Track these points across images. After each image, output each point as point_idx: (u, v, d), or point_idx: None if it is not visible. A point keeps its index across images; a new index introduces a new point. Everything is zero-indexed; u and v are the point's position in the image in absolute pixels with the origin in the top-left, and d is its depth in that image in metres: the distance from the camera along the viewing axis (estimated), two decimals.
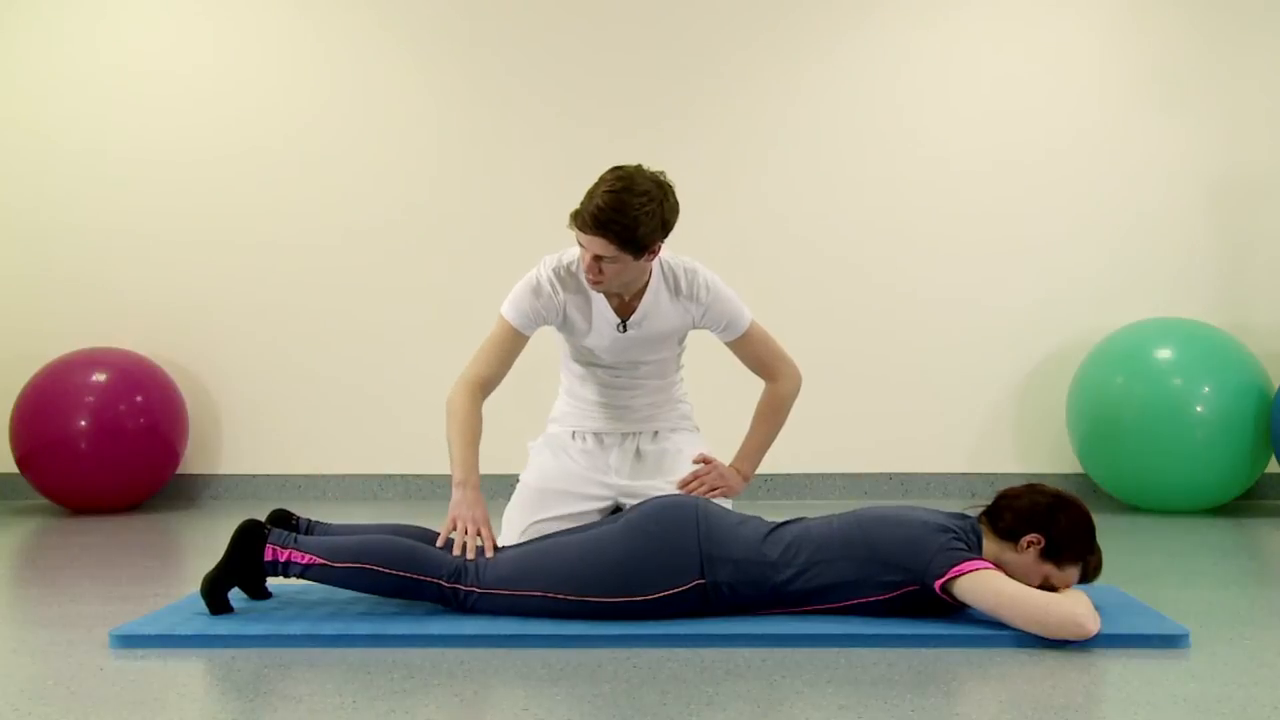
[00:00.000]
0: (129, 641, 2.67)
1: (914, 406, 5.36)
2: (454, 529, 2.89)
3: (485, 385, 3.16)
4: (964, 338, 5.35)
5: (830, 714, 2.18)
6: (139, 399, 5.07)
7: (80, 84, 5.47)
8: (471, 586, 2.78)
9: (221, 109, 5.46)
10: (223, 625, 2.72)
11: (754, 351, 3.34)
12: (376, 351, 5.44)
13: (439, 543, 2.88)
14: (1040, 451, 5.34)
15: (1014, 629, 2.60)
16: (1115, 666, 2.46)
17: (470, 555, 2.84)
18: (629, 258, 3.02)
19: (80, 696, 2.32)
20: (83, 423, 4.97)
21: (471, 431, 3.07)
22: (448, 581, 2.78)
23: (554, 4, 5.43)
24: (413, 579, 2.78)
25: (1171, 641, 2.62)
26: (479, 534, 2.88)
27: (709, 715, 2.18)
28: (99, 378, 5.06)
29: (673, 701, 2.25)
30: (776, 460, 5.31)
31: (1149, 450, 4.72)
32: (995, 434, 5.37)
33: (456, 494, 2.96)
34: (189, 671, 2.51)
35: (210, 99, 5.46)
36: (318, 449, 5.48)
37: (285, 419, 5.49)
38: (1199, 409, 4.69)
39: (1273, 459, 4.85)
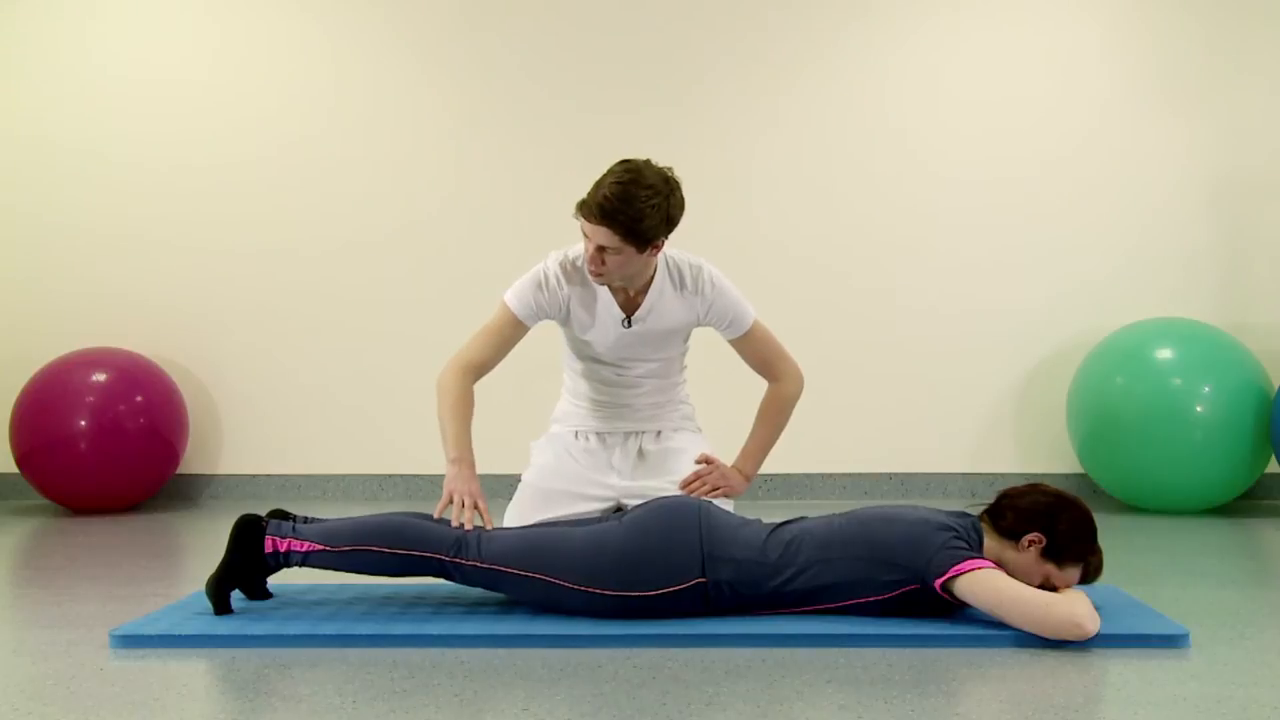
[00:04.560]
0: (129, 641, 2.67)
1: (914, 406, 5.36)
2: (450, 503, 2.89)
3: (477, 369, 3.17)
4: (964, 338, 5.35)
5: (830, 714, 2.18)
6: (139, 399, 5.07)
7: (83, 88, 5.47)
8: (474, 561, 2.77)
9: (223, 115, 5.47)
10: (223, 625, 2.72)
11: (757, 350, 3.33)
12: (377, 352, 5.45)
13: (436, 513, 2.87)
14: (1040, 451, 5.34)
15: (1014, 629, 2.60)
16: (1115, 666, 2.46)
17: (468, 527, 2.83)
18: (632, 250, 3.02)
19: (80, 696, 2.32)
20: (83, 423, 4.97)
21: (464, 410, 3.08)
22: (449, 556, 2.78)
23: (553, 10, 5.44)
24: (414, 556, 2.78)
25: (1171, 641, 2.62)
26: (475, 507, 2.87)
27: (709, 715, 2.18)
28: (99, 378, 5.06)
29: (673, 701, 2.25)
30: (777, 460, 5.29)
31: (1149, 450, 4.73)
32: (995, 434, 5.37)
33: (451, 470, 2.96)
34: (189, 671, 2.51)
35: (212, 105, 5.47)
36: (318, 449, 5.48)
37: (285, 419, 5.49)
38: (1199, 409, 4.69)
39: (1273, 459, 4.85)
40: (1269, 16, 5.27)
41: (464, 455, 3.00)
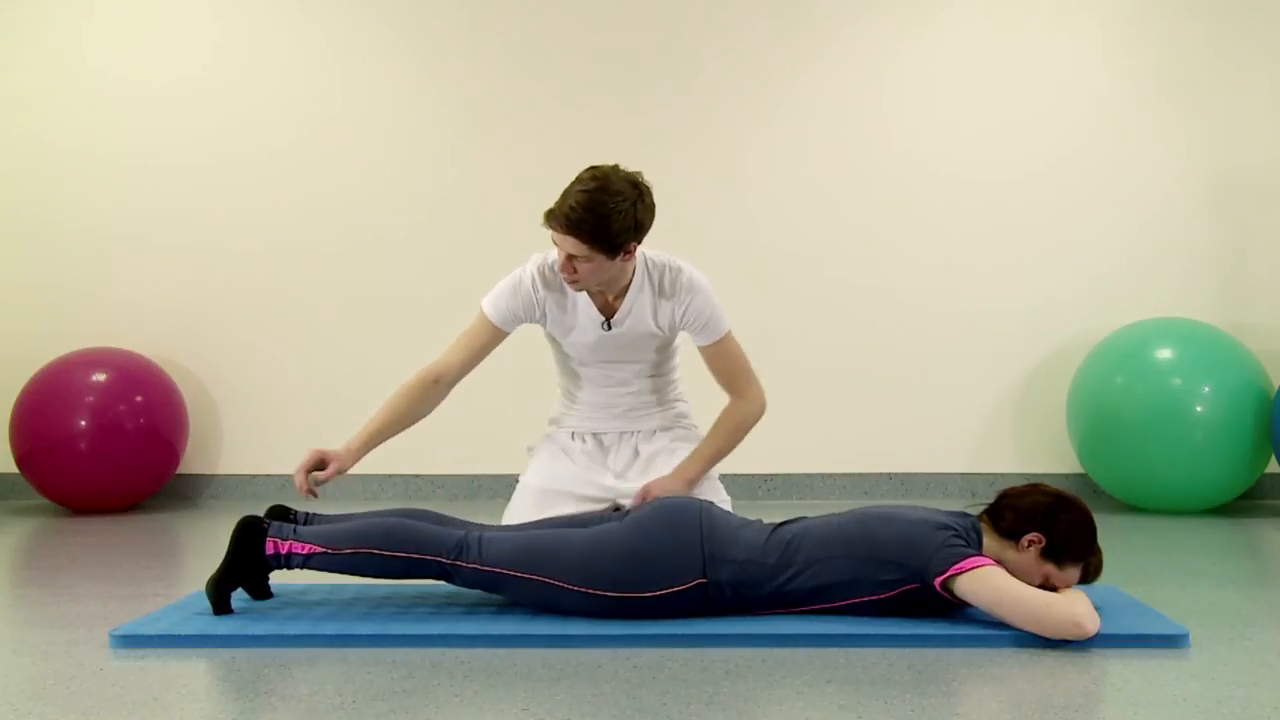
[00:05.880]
0: (129, 641, 2.67)
1: (915, 406, 5.36)
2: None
3: (441, 374, 3.24)
4: (964, 338, 5.35)
5: (830, 714, 2.18)
6: (139, 399, 5.07)
7: (82, 88, 5.47)
8: (474, 564, 2.77)
9: (223, 115, 5.47)
10: (223, 625, 2.72)
11: (725, 364, 3.27)
12: (377, 352, 5.44)
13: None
14: (1040, 451, 5.34)
15: (1013, 628, 2.60)
16: (1115, 666, 2.46)
17: (301, 488, 3.03)
18: (603, 257, 3.01)
19: (80, 696, 2.32)
20: (83, 423, 4.97)
21: (392, 417, 3.23)
22: (449, 558, 2.78)
23: (553, 10, 5.44)
24: (414, 558, 2.78)
25: (1171, 641, 2.62)
26: (319, 467, 3.06)
27: (709, 715, 2.18)
28: (99, 378, 5.06)
29: (673, 701, 2.25)
30: (777, 460, 5.32)
31: (1149, 450, 4.73)
32: (995, 434, 5.37)
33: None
34: (189, 671, 2.51)
35: (212, 105, 5.47)
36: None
37: (285, 419, 5.49)
38: (1199, 409, 4.69)
39: (1273, 459, 4.85)
40: (1269, 16, 5.27)
41: (350, 444, 3.15)
